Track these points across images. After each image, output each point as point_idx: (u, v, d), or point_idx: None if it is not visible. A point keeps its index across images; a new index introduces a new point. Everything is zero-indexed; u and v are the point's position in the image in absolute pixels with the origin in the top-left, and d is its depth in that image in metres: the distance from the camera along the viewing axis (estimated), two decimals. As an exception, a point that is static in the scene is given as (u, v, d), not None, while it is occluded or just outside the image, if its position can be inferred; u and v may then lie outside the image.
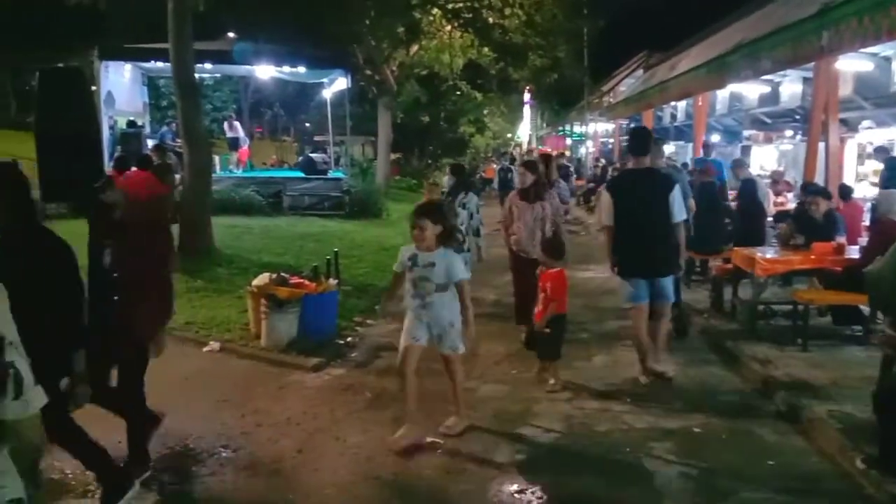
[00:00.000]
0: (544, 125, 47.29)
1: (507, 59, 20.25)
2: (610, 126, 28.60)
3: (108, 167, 12.55)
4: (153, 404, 4.15)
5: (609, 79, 32.39)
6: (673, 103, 18.99)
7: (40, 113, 17.11)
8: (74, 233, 12.15)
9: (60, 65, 19.67)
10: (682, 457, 4.26)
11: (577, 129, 33.95)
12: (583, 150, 31.89)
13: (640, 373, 5.57)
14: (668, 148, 20.02)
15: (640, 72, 25.18)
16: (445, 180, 7.71)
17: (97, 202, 4.27)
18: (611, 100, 27.99)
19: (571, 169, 23.02)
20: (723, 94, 16.49)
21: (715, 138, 17.77)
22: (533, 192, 6.51)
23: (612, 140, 28.63)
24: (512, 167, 16.52)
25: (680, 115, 21.48)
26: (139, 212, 4.18)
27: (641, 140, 5.77)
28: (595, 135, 30.57)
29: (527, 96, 38.88)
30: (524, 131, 49.86)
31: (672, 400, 5.19)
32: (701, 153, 12.33)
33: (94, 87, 16.18)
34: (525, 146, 44.78)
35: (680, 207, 5.43)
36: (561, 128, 40.65)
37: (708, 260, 8.87)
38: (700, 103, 13.51)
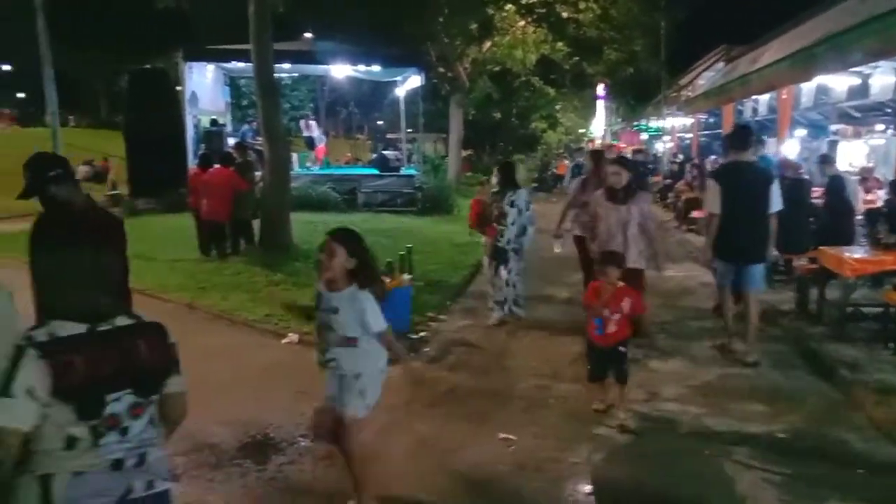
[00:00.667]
0: (619, 120, 46.36)
1: (581, 54, 19.98)
2: (688, 121, 27.79)
3: (192, 164, 13.06)
4: (235, 393, 4.28)
5: (687, 72, 31.44)
6: (755, 97, 18.28)
7: (129, 113, 18.05)
8: (164, 226, 12.70)
9: (148, 66, 20.68)
10: (765, 463, 4.12)
11: (654, 123, 33.15)
12: (659, 146, 31.12)
13: (725, 344, 6.07)
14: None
15: (721, 65, 24.34)
16: (495, 180, 7.40)
17: None
18: (689, 94, 27.18)
19: (649, 166, 22.40)
20: (808, 87, 15.72)
21: (800, 133, 17.02)
22: (622, 194, 6.05)
23: (690, 135, 27.83)
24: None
25: (762, 110, 20.60)
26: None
27: (744, 136, 6.26)
28: (672, 130, 29.78)
29: (600, 91, 38.21)
30: (597, 126, 49.03)
31: (755, 403, 5.02)
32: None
33: (178, 88, 16.91)
34: (598, 141, 43.97)
35: (777, 199, 5.85)
36: (636, 123, 39.78)
37: (792, 259, 8.52)
38: (784, 96, 12.97)
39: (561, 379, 5.65)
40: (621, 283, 4.72)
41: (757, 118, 21.48)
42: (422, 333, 6.90)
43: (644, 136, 36.59)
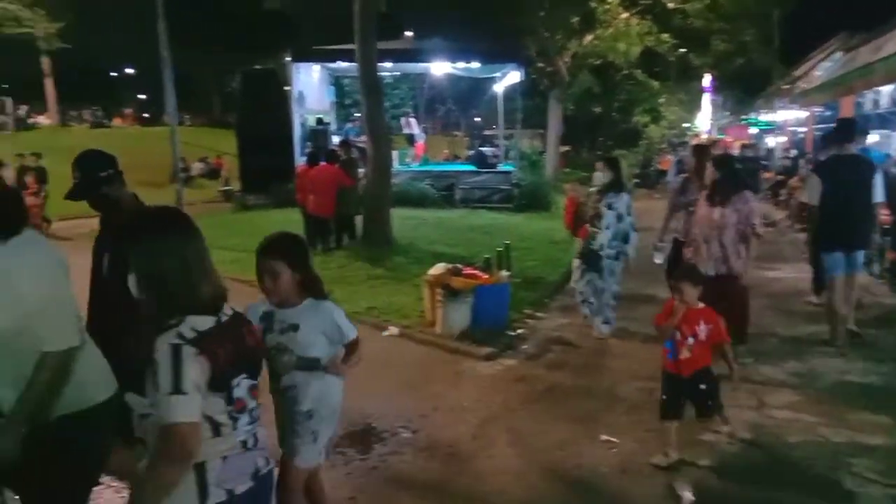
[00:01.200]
0: (726, 113, 44.42)
1: (687, 46, 19.30)
2: (802, 114, 26.28)
3: (300, 162, 13.58)
4: None
5: (802, 62, 29.73)
6: (876, 88, 17.06)
7: (241, 112, 18.96)
8: (272, 220, 13.22)
9: (258, 67, 21.62)
10: (889, 477, 3.86)
11: (764, 117, 31.56)
12: (770, 140, 29.61)
13: (834, 337, 6.05)
14: (872, 137, 18.10)
15: (839, 55, 22.88)
16: (597, 176, 6.65)
17: None
18: (804, 86, 25.69)
19: (761, 162, 21.26)
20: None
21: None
22: (717, 194, 5.55)
23: (804, 129, 26.33)
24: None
25: (884, 102, 19.24)
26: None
27: (847, 129, 6.43)
28: (785, 123, 28.24)
29: (706, 83, 36.77)
30: (703, 120, 47.17)
31: (875, 412, 4.71)
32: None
33: (287, 88, 17.59)
34: (704, 136, 42.33)
35: (880, 190, 6.02)
36: (745, 116, 38.00)
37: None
38: (912, 87, 12.06)
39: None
40: (700, 305, 4.11)
41: (879, 111, 20.08)
42: (519, 330, 6.90)
43: (754, 130, 34.93)
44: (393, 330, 6.79)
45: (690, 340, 4.01)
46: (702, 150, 6.81)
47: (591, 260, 6.52)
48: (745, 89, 34.97)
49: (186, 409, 1.89)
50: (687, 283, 4.08)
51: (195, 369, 1.92)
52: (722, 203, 5.49)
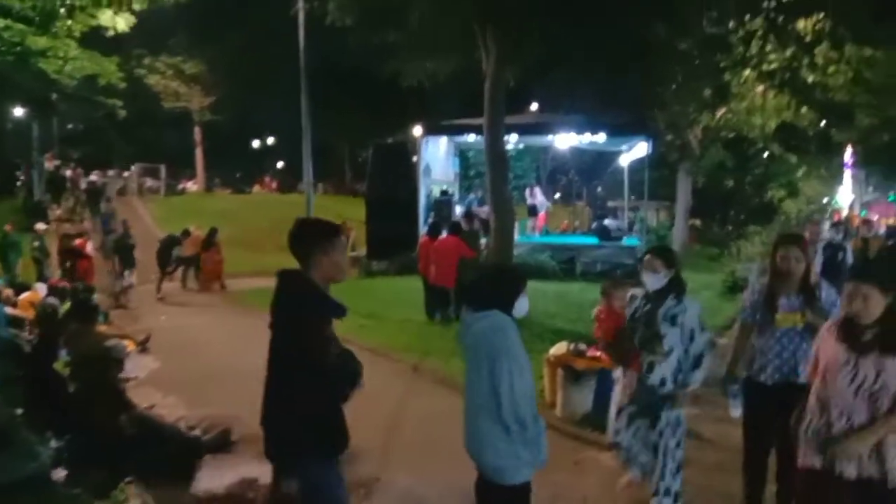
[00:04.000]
0: (870, 189, 41.59)
1: (829, 120, 18.30)
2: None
3: (423, 231, 13.89)
4: (455, 458, 4.16)
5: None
6: None
7: (371, 181, 19.82)
8: (394, 287, 13.50)
9: (390, 140, 22.66)
10: None
11: (915, 194, 29.23)
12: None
13: None
14: None
15: None
16: (647, 277, 4.36)
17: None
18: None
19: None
20: None
21: None
22: (871, 338, 3.16)
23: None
24: (845, 243, 10.20)
25: None
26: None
27: None
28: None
29: (848, 157, 34.72)
30: (845, 196, 44.37)
31: None
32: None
33: (414, 158, 18.26)
34: (845, 212, 39.78)
35: None
36: (893, 193, 35.42)
37: None
38: None
39: None
40: None
41: None
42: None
43: (903, 207, 32.46)
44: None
45: None
46: (803, 242, 4.39)
47: (649, 406, 4.37)
48: (891, 164, 32.71)
49: None
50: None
51: None
52: (884, 349, 3.13)
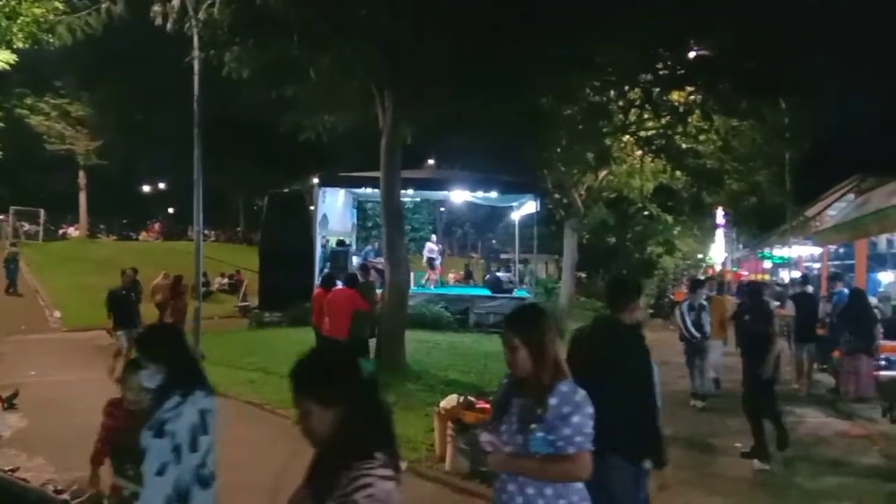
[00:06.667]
0: (740, 247, 44.93)
1: (700, 184, 19.83)
2: (816, 250, 26.55)
3: (318, 283, 13.79)
4: None
5: (815, 202, 30.43)
6: (892, 230, 17.31)
7: (265, 230, 19.53)
8: (286, 339, 13.18)
9: (286, 190, 22.50)
10: None
11: (778, 252, 31.90)
12: (784, 275, 29.77)
13: None
14: (887, 276, 18.22)
15: (851, 196, 23.43)
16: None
17: None
18: (817, 225, 26.13)
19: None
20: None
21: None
22: None
23: (818, 265, 26.49)
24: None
25: (899, 241, 19.45)
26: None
27: None
28: (799, 260, 28.48)
29: (720, 218, 37.50)
30: (717, 253, 47.68)
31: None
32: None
33: (311, 208, 18.22)
34: (718, 268, 42.71)
35: None
36: (760, 251, 38.44)
37: None
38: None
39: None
40: None
41: (893, 250, 20.26)
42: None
43: (767, 264, 35.28)
44: (400, 465, 6.61)
45: None
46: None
47: None
48: (759, 225, 35.60)
49: None
50: None
51: None
52: None
